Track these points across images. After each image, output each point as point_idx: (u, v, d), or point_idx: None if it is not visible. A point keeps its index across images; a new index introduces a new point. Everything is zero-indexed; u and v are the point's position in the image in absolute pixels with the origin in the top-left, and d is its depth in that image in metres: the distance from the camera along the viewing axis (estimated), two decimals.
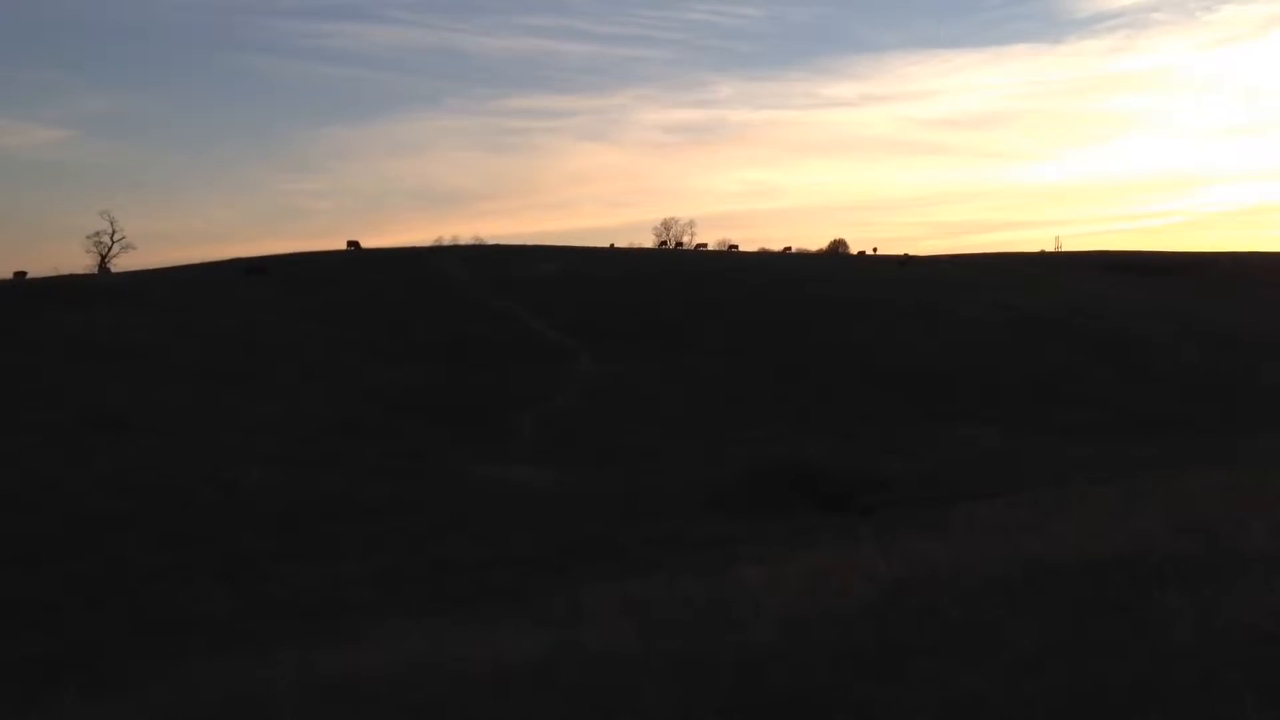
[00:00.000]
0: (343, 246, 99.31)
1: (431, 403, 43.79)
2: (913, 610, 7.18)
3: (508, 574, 19.01)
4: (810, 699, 5.62)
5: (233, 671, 10.42)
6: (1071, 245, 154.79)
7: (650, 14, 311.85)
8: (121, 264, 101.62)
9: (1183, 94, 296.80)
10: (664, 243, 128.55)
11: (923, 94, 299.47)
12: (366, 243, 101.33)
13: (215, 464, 31.06)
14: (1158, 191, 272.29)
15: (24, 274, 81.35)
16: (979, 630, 6.32)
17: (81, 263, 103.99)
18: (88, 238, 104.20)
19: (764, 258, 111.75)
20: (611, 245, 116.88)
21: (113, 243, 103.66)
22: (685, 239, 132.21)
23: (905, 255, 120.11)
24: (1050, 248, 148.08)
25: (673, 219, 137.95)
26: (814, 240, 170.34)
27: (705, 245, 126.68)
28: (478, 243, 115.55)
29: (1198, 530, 8.61)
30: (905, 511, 22.45)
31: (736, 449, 34.66)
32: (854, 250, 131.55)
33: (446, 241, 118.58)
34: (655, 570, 16.20)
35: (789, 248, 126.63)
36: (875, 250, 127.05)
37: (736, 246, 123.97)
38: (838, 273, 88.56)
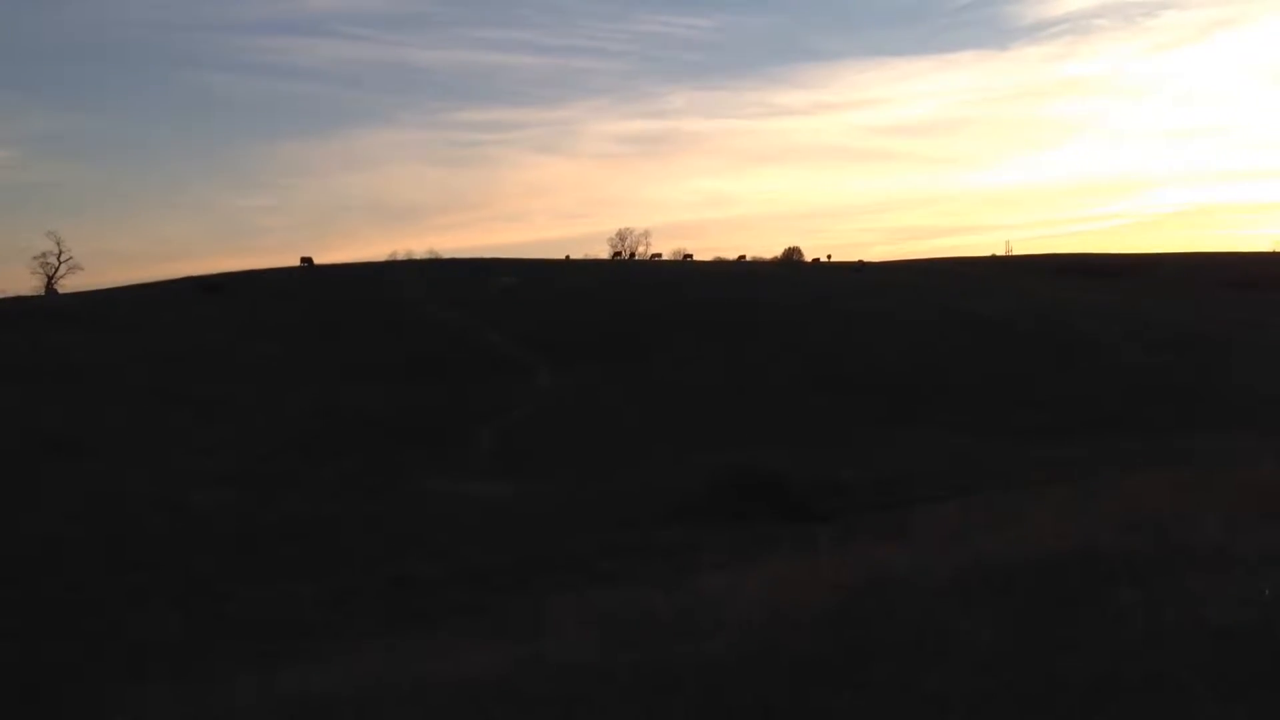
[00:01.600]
0: (296, 263, 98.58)
1: (389, 419, 43.51)
2: (872, 614, 7.22)
3: (468, 589, 18.91)
4: (772, 706, 5.64)
5: (190, 697, 10.29)
6: (1022, 249, 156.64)
7: (601, 26, 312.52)
8: (69, 285, 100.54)
9: (1126, 98, 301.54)
10: (618, 254, 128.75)
11: (873, 101, 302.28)
12: (320, 259, 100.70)
13: (168, 486, 30.68)
14: (1104, 194, 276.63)
15: None
16: (938, 632, 6.36)
17: (28, 284, 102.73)
18: (34, 259, 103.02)
19: (719, 266, 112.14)
20: (567, 257, 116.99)
21: (60, 264, 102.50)
22: (640, 249, 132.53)
23: (860, 261, 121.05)
24: (1001, 251, 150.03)
25: (628, 230, 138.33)
26: (769, 248, 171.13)
27: (660, 255, 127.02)
28: (433, 257, 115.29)
29: (1150, 528, 8.73)
30: (864, 516, 22.59)
31: (696, 458, 34.71)
32: (808, 257, 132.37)
33: (401, 256, 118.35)
34: (616, 581, 16.20)
35: (743, 256, 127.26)
36: (830, 257, 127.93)
37: (691, 256, 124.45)
38: (793, 280, 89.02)
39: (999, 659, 5.63)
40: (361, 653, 11.72)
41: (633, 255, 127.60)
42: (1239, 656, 5.13)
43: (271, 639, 15.52)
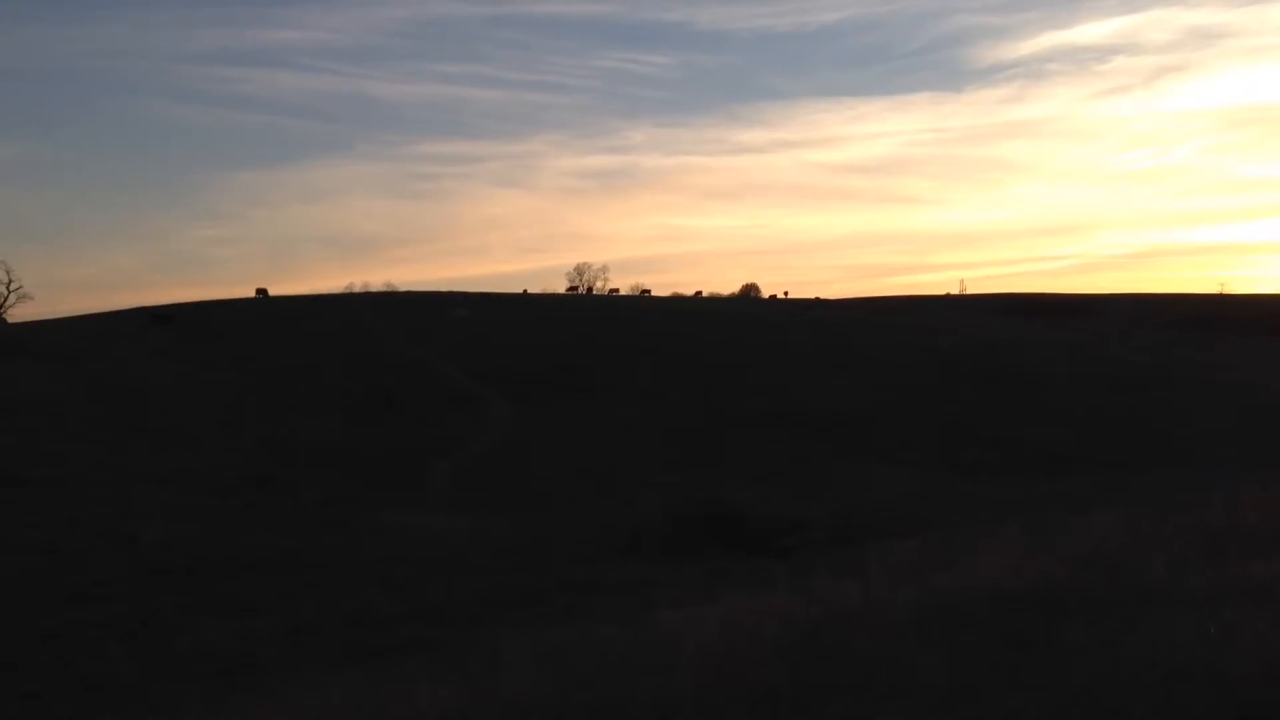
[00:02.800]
0: (252, 294, 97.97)
1: (344, 452, 43.15)
2: (828, 650, 7.25)
3: (423, 624, 18.75)
4: None
5: None
6: (975, 288, 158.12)
7: (562, 61, 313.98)
8: (19, 315, 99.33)
9: (1077, 141, 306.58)
10: (574, 287, 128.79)
11: (830, 140, 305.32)
12: (276, 290, 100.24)
13: (119, 519, 30.20)
14: (1055, 235, 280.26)
15: None
16: (893, 669, 6.41)
17: None
18: None
19: (677, 302, 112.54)
20: (525, 291, 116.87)
21: (9, 292, 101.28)
22: (598, 284, 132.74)
23: (816, 298, 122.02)
24: (955, 290, 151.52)
25: (586, 264, 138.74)
26: (726, 284, 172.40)
27: (617, 290, 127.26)
28: (390, 289, 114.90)
29: (1102, 566, 8.85)
30: (820, 552, 22.64)
31: (652, 493, 34.69)
32: (765, 294, 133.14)
33: (358, 288, 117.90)
34: (572, 617, 16.13)
35: (699, 291, 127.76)
36: (786, 294, 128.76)
37: (649, 291, 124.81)
38: (750, 316, 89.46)
39: (956, 696, 5.68)
40: (315, 689, 11.58)
41: (590, 290, 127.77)
42: (1189, 694, 5.21)
43: (223, 674, 15.32)
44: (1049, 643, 6.46)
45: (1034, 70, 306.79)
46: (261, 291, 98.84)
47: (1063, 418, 51.62)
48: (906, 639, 7.12)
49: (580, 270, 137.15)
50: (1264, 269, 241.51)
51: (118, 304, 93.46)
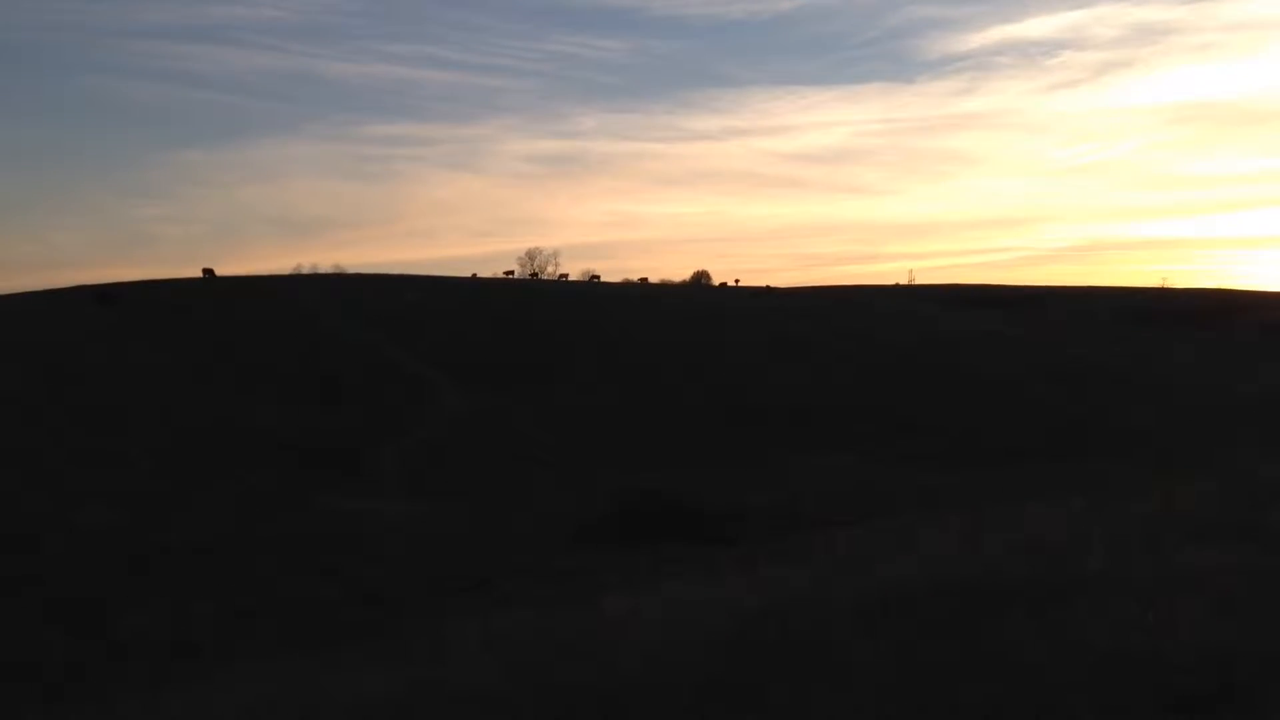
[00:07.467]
0: (197, 274, 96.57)
1: (289, 437, 42.70)
2: (774, 639, 7.27)
3: (368, 611, 18.63)
4: None
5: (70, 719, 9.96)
6: (924, 278, 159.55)
7: (514, 45, 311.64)
8: None
9: (1024, 134, 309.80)
10: (509, 272, 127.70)
11: (782, 129, 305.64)
12: (222, 270, 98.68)
13: (56, 503, 29.71)
14: (1002, 227, 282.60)
15: None
16: (838, 656, 6.43)
17: None
18: None
19: (627, 288, 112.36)
20: (474, 275, 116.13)
21: None
22: (549, 269, 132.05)
23: (766, 287, 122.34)
24: (904, 280, 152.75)
25: (537, 249, 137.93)
26: (677, 271, 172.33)
27: (567, 275, 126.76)
28: (338, 271, 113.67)
29: (1044, 555, 8.94)
30: (766, 541, 22.77)
31: (601, 481, 34.70)
32: (716, 281, 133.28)
33: (306, 270, 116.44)
34: (519, 603, 16.09)
35: (644, 278, 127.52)
36: (738, 281, 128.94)
37: (599, 277, 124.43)
38: (700, 304, 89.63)
39: (898, 684, 5.70)
40: (254, 675, 11.45)
41: (535, 275, 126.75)
42: (1126, 681, 5.27)
43: (161, 660, 15.12)
44: (990, 631, 6.50)
45: (983, 63, 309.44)
46: (208, 271, 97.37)
47: (1007, 408, 52.28)
48: (850, 627, 7.15)
49: (531, 255, 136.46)
50: (1204, 263, 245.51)
51: (60, 282, 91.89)
